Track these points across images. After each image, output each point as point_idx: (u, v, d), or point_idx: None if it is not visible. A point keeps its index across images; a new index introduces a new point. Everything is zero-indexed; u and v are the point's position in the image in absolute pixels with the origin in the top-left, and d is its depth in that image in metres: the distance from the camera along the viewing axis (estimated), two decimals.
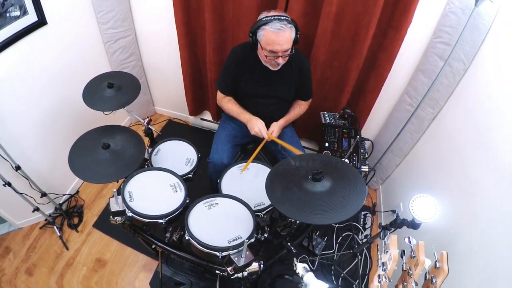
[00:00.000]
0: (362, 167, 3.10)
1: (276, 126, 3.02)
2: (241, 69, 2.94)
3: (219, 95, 3.19)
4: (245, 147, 3.41)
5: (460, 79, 2.77)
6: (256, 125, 2.90)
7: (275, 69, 2.77)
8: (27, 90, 3.12)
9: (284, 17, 2.52)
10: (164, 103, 5.17)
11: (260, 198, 2.55)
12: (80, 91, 2.73)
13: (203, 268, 2.68)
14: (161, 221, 2.25)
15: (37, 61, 3.14)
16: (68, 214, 3.86)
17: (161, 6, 3.59)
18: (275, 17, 2.51)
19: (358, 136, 3.21)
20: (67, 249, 3.58)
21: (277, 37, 2.52)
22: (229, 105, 3.13)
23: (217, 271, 2.36)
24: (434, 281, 1.54)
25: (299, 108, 3.23)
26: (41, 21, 3.02)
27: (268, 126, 2.99)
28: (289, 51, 2.65)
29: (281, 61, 2.69)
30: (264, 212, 2.48)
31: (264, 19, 2.53)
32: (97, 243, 3.67)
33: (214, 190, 3.04)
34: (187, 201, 2.39)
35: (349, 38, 3.09)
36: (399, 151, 3.60)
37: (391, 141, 3.61)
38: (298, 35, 2.65)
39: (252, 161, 2.82)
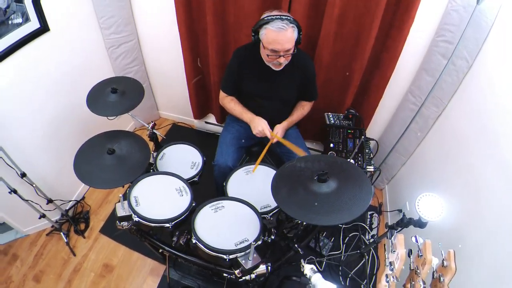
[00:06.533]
0: (368, 167, 3.10)
1: (280, 128, 3.02)
2: (244, 69, 2.94)
3: (222, 94, 3.20)
4: (250, 150, 3.41)
5: (464, 77, 2.76)
6: (259, 125, 2.90)
7: (278, 69, 2.77)
8: (31, 97, 3.14)
9: (286, 17, 2.52)
10: (168, 107, 5.18)
11: (266, 200, 2.55)
12: (84, 96, 2.74)
13: (210, 271, 2.68)
14: (167, 225, 2.25)
15: (40, 67, 3.15)
16: (75, 220, 3.87)
17: (163, 10, 3.60)
18: (277, 17, 2.51)
19: (363, 136, 3.22)
20: (74, 255, 3.59)
21: (278, 36, 2.51)
22: (231, 104, 3.14)
23: (224, 274, 2.37)
24: (442, 280, 1.54)
25: (302, 109, 3.22)
26: (44, 28, 3.03)
27: (271, 127, 2.99)
28: (291, 51, 2.64)
29: (283, 61, 2.68)
30: (271, 214, 2.49)
31: (266, 18, 2.54)
32: (104, 248, 3.67)
33: (220, 193, 3.04)
34: (193, 204, 2.39)
35: (352, 39, 3.09)
36: (404, 150, 3.60)
37: (396, 140, 3.61)
38: (300, 36, 2.65)
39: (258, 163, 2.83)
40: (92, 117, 2.63)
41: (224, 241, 2.17)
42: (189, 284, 3.28)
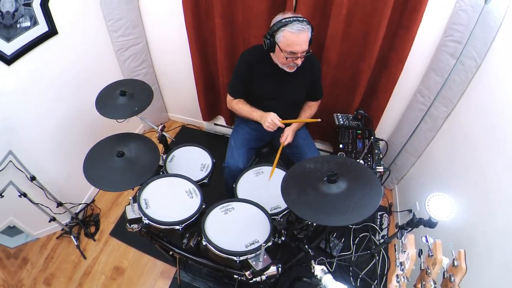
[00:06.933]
0: (377, 167, 3.09)
1: (289, 131, 3.01)
2: (253, 72, 2.92)
3: (229, 97, 3.18)
4: (260, 151, 3.40)
5: (473, 76, 2.75)
6: (269, 117, 2.84)
7: (292, 71, 2.76)
8: (40, 100, 3.15)
9: (302, 18, 2.51)
10: (177, 109, 5.19)
11: (276, 201, 2.55)
12: (93, 99, 2.75)
13: (221, 273, 2.68)
14: (177, 227, 2.26)
15: (49, 70, 3.16)
16: (85, 223, 3.88)
17: (171, 13, 3.60)
18: (295, 19, 2.49)
19: (372, 137, 3.20)
20: (85, 258, 3.60)
21: (297, 38, 2.50)
22: (239, 105, 3.11)
23: (235, 276, 2.37)
24: (452, 280, 1.54)
25: (310, 109, 3.22)
26: (52, 31, 3.04)
27: (281, 130, 2.98)
28: (307, 51, 2.64)
29: (300, 62, 2.66)
30: (281, 215, 2.49)
31: (283, 21, 2.51)
32: (114, 251, 3.67)
33: (230, 195, 3.03)
34: (203, 206, 2.40)
35: (360, 39, 3.09)
36: (413, 150, 3.59)
37: (405, 140, 3.61)
38: (312, 36, 2.63)
39: (268, 165, 2.83)
40: (101, 119, 2.63)
41: (234, 242, 2.17)
42: (200, 286, 3.28)
